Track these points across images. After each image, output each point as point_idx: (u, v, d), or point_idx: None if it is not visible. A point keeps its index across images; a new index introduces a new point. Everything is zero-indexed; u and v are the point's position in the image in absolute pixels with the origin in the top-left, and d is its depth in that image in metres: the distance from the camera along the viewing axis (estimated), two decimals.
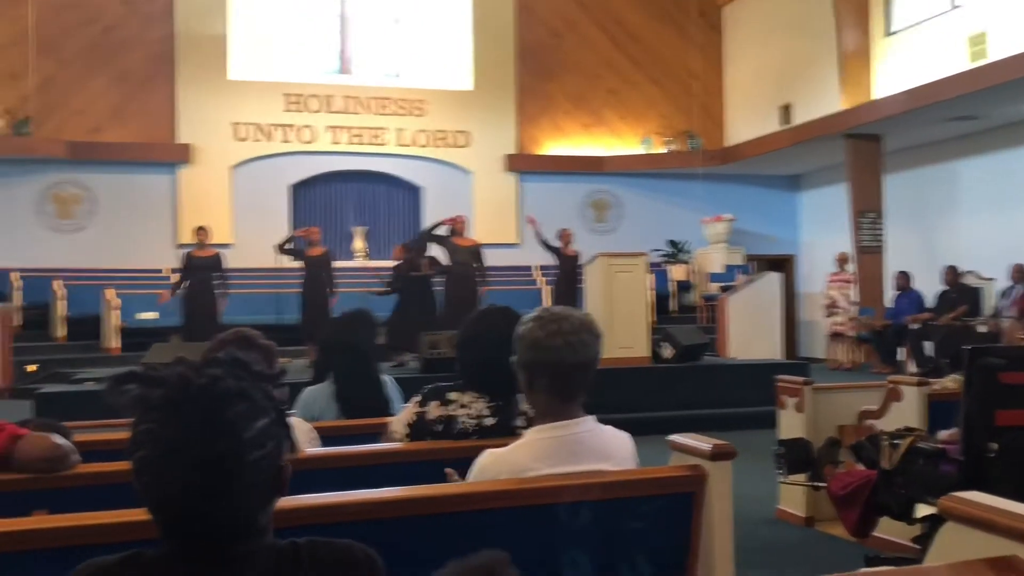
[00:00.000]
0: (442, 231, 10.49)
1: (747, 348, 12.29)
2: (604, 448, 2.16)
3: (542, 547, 2.08)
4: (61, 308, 12.44)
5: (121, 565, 1.19)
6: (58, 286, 12.56)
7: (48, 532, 1.77)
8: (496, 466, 2.12)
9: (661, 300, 14.75)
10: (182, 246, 12.41)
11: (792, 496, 5.24)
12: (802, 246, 16.48)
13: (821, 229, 15.72)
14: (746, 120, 15.82)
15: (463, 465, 2.25)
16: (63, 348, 12.30)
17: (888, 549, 4.12)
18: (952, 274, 11.51)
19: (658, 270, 14.88)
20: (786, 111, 14.62)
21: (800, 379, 5.45)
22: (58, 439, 2.41)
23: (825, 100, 13.41)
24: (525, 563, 2.04)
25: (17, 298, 12.72)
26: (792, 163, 15.32)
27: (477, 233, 12.89)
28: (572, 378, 2.06)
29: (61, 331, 12.45)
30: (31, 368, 11.52)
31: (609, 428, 2.22)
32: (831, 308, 13.15)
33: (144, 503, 1.17)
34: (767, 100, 15.20)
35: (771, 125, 14.78)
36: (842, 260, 13.18)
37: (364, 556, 1.28)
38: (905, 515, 3.30)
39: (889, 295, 12.40)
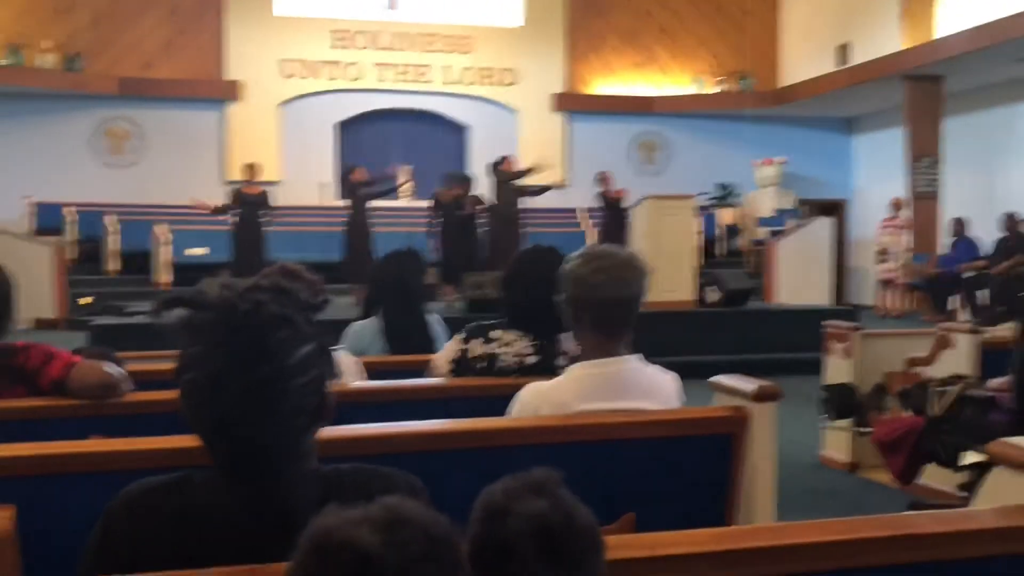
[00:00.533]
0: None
1: (795, 294, 12.15)
2: (647, 386, 2.17)
3: (581, 484, 2.09)
4: (113, 243, 12.68)
5: (169, 486, 1.22)
6: (110, 221, 12.79)
7: (103, 456, 1.83)
8: (536, 399, 2.13)
9: (708, 244, 14.56)
10: (230, 182, 12.53)
11: (836, 441, 5.22)
12: (855, 191, 16.13)
13: (875, 174, 15.35)
14: (801, 60, 15.40)
15: (504, 403, 2.25)
16: (115, 282, 12.56)
17: (932, 496, 4.09)
18: (1010, 221, 11.20)
19: (706, 213, 14.68)
20: (843, 51, 14.19)
21: (848, 324, 5.38)
22: (111, 367, 2.47)
23: (884, 39, 12.98)
24: None
25: (71, 232, 12.98)
26: (847, 105, 14.91)
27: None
28: (616, 314, 2.07)
29: (113, 265, 12.71)
30: (85, 300, 11.80)
31: (654, 367, 2.22)
32: (883, 255, 12.90)
33: (191, 425, 1.19)
34: (823, 39, 14.76)
35: (827, 65, 14.37)
36: (896, 206, 12.87)
37: (406, 483, 1.30)
38: (951, 462, 3.27)
39: (944, 242, 12.10)
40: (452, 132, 15.44)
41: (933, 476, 3.94)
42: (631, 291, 2.06)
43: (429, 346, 3.63)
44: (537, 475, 0.83)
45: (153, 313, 1.20)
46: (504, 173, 10.46)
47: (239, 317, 1.16)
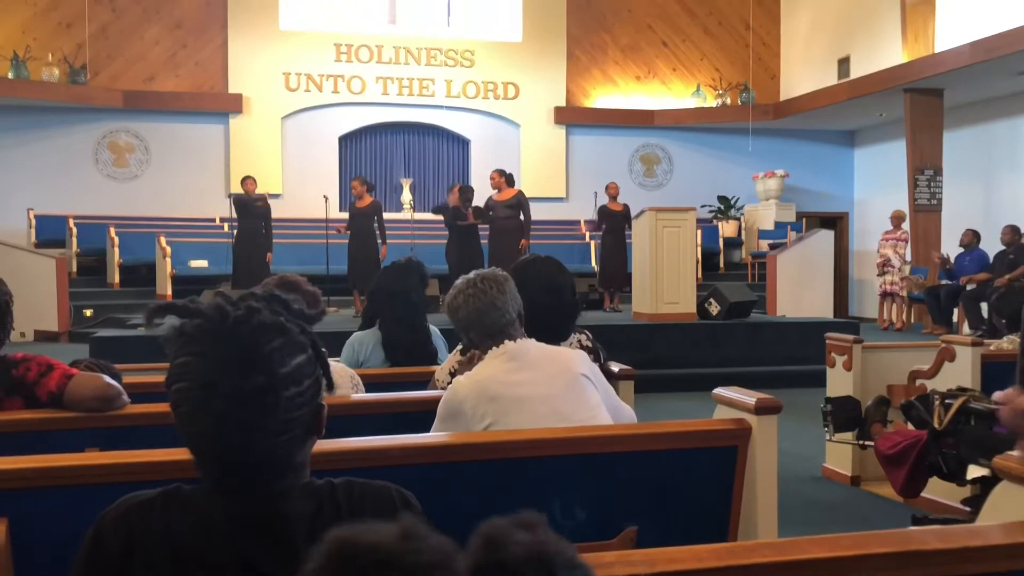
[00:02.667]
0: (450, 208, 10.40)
1: (796, 306, 12.14)
2: (551, 354, 2.38)
3: (581, 496, 2.07)
4: (116, 255, 12.68)
5: (160, 498, 1.20)
6: (113, 233, 12.79)
7: (99, 468, 1.81)
8: (463, 386, 2.30)
9: (709, 256, 14.60)
10: (233, 195, 12.53)
11: (838, 455, 5.19)
12: (856, 203, 16.13)
13: (876, 186, 15.35)
14: (802, 73, 15.43)
15: None
16: (117, 294, 12.56)
17: (936, 510, 4.06)
18: (1011, 233, 11.16)
19: (707, 226, 14.69)
20: (844, 64, 14.22)
21: (850, 337, 5.35)
22: (108, 379, 2.45)
23: (885, 52, 13.01)
24: (564, 511, 2.04)
25: (73, 244, 12.99)
26: (848, 118, 14.93)
27: (524, 186, 12.79)
28: (487, 318, 2.38)
29: (115, 277, 12.71)
30: (87, 313, 11.80)
31: (554, 347, 2.47)
32: (884, 267, 12.88)
33: (181, 435, 1.18)
34: (825, 53, 14.79)
35: (828, 78, 14.39)
36: (898, 218, 12.86)
37: (400, 497, 1.28)
38: (956, 476, 3.24)
39: (952, 253, 12.04)
40: (454, 145, 15.46)
41: (937, 489, 3.91)
42: (489, 296, 2.38)
43: (429, 358, 3.62)
44: (526, 516, 0.86)
45: (145, 321, 1.19)
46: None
47: (231, 324, 1.14)
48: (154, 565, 1.15)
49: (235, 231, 10.71)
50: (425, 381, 3.10)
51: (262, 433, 1.15)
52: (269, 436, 1.16)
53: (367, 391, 2.99)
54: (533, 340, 2.42)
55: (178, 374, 1.16)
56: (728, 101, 15.66)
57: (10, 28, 13.58)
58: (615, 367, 2.99)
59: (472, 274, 2.47)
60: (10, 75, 13.18)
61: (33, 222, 13.20)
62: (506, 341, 2.37)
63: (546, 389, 2.28)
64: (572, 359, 2.39)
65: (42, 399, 2.41)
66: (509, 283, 2.44)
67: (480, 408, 2.23)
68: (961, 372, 4.49)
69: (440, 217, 10.72)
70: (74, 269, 12.74)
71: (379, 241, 10.40)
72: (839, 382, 5.21)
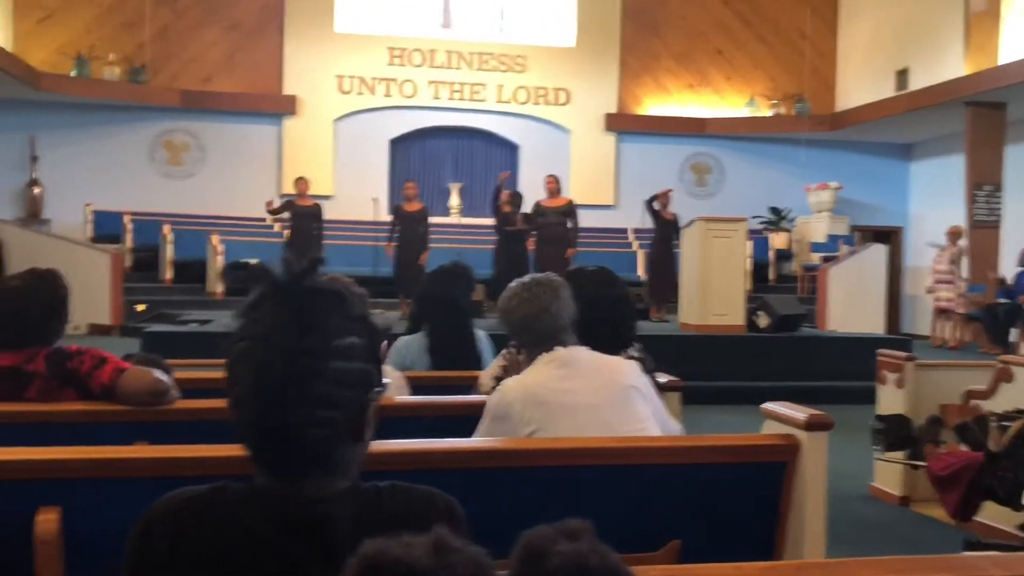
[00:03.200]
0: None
1: (847, 321, 11.93)
2: (601, 363, 2.37)
3: (627, 507, 2.05)
4: (169, 251, 12.91)
5: (206, 495, 1.21)
6: (167, 230, 13.03)
7: (148, 462, 1.84)
8: (511, 390, 2.29)
9: (759, 268, 14.41)
10: (285, 195, 12.70)
11: (888, 474, 5.08)
12: (911, 218, 15.82)
13: (932, 201, 15.03)
14: (859, 84, 15.18)
15: None
16: (169, 290, 12.78)
17: (990, 535, 3.95)
18: None
19: (758, 237, 14.52)
20: (903, 76, 13.96)
21: (902, 354, 5.24)
22: (159, 374, 2.49)
23: (946, 64, 12.74)
24: (608, 521, 2.02)
25: (128, 240, 13.25)
26: (905, 131, 14.65)
27: (572, 192, 12.76)
28: (541, 323, 2.37)
29: (168, 273, 12.94)
30: (140, 308, 12.03)
31: (606, 355, 2.43)
32: (939, 283, 12.59)
33: (229, 400, 1.19)
34: (883, 64, 14.54)
35: (886, 90, 14.14)
36: (955, 234, 12.56)
37: (444, 503, 1.27)
38: (1012, 500, 3.15)
39: (1010, 272, 11.74)
40: (503, 150, 15.49)
41: (992, 514, 3.81)
42: (543, 302, 2.37)
43: (475, 363, 3.61)
44: (571, 523, 0.85)
45: (222, 276, 1.22)
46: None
47: (293, 283, 1.18)
48: (199, 562, 1.16)
49: (289, 231, 10.82)
50: (470, 386, 3.09)
51: (300, 395, 1.15)
52: (306, 403, 1.15)
53: (413, 394, 2.99)
54: (585, 348, 2.40)
55: (241, 334, 1.19)
56: (782, 111, 15.48)
57: (75, 28, 13.92)
58: (662, 378, 2.95)
59: (528, 277, 2.46)
60: (73, 73, 13.51)
61: (90, 217, 13.50)
62: (557, 348, 2.35)
63: (594, 399, 2.26)
64: (622, 370, 2.37)
65: (94, 391, 2.45)
66: (564, 289, 2.42)
67: (527, 413, 2.22)
68: (1019, 393, 4.36)
69: (492, 221, 10.72)
70: (128, 264, 13.00)
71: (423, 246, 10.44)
72: (890, 400, 5.10)
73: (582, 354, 2.37)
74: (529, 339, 2.41)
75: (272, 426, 1.17)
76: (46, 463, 1.78)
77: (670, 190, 11.10)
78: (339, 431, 1.19)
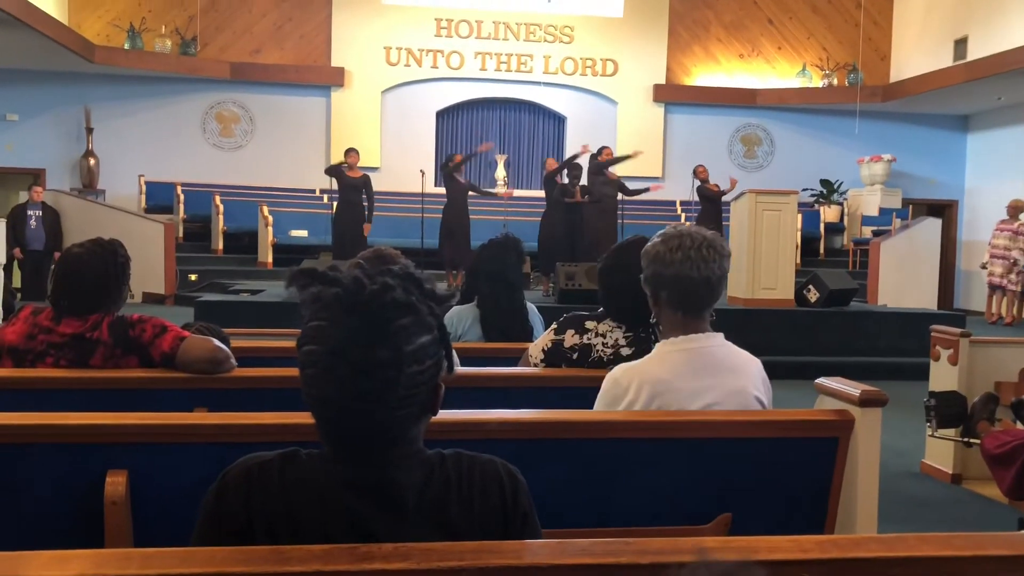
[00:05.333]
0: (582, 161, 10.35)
1: (899, 296, 11.74)
2: (734, 363, 2.15)
3: (677, 480, 2.06)
4: (220, 222, 13.10)
5: (278, 461, 1.25)
6: (218, 201, 13.22)
7: (207, 428, 1.89)
8: (628, 376, 2.11)
9: (809, 242, 14.23)
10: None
11: (940, 451, 5.02)
12: (967, 191, 15.45)
13: (990, 174, 14.66)
14: (915, 54, 14.80)
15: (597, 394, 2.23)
16: (221, 260, 12.99)
17: None
18: None
19: (808, 211, 14.31)
20: (961, 45, 13.58)
21: (956, 330, 5.16)
22: (218, 343, 2.55)
23: (1007, 32, 12.36)
24: (659, 495, 2.03)
25: (180, 211, 13.47)
26: (963, 102, 14.27)
27: (620, 165, 12.65)
28: (694, 292, 2.07)
29: (219, 244, 13.14)
30: (192, 277, 12.25)
31: (736, 347, 2.20)
32: (996, 259, 12.30)
33: (304, 396, 1.22)
34: (940, 33, 14.16)
35: (943, 60, 13.78)
36: (1015, 208, 12.23)
37: (506, 471, 1.30)
38: None
39: None
40: (550, 122, 15.41)
41: None
42: (710, 269, 2.06)
43: (526, 335, 3.64)
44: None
45: (287, 283, 1.24)
46: (599, 163, 10.40)
47: (365, 297, 1.19)
48: (271, 525, 1.20)
49: (337, 202, 10.91)
50: (518, 357, 3.11)
51: (380, 405, 1.19)
52: (387, 409, 1.19)
53: (461, 364, 3.02)
54: (721, 336, 2.15)
55: (310, 337, 1.21)
56: (835, 82, 15.17)
57: (127, 1, 14.10)
58: None
59: (694, 230, 2.13)
60: (126, 46, 13.70)
61: (144, 188, 13.74)
62: (692, 333, 2.10)
63: (721, 405, 2.09)
64: (753, 377, 2.17)
65: (155, 359, 2.52)
66: (728, 260, 2.14)
67: (647, 404, 2.07)
68: None
69: (541, 193, 10.71)
70: (181, 235, 13.22)
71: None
72: (943, 376, 5.03)
73: (719, 349, 2.13)
74: (670, 300, 2.09)
75: (353, 428, 1.21)
76: (114, 427, 1.84)
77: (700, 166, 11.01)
78: (414, 415, 1.23)
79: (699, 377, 2.08)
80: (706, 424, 2.03)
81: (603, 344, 2.65)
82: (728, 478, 2.08)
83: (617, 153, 11.03)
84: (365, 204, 10.68)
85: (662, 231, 2.16)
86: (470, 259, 4.81)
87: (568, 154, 13.96)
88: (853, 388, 2.17)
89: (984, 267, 12.29)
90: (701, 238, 2.09)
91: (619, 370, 2.15)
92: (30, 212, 11.61)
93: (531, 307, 3.81)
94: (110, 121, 13.95)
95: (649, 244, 2.15)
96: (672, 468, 2.05)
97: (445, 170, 10.64)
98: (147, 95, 14.19)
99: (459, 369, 2.88)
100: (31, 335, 2.53)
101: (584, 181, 10.33)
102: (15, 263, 11.49)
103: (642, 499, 2.02)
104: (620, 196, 10.42)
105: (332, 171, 10.76)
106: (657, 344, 2.19)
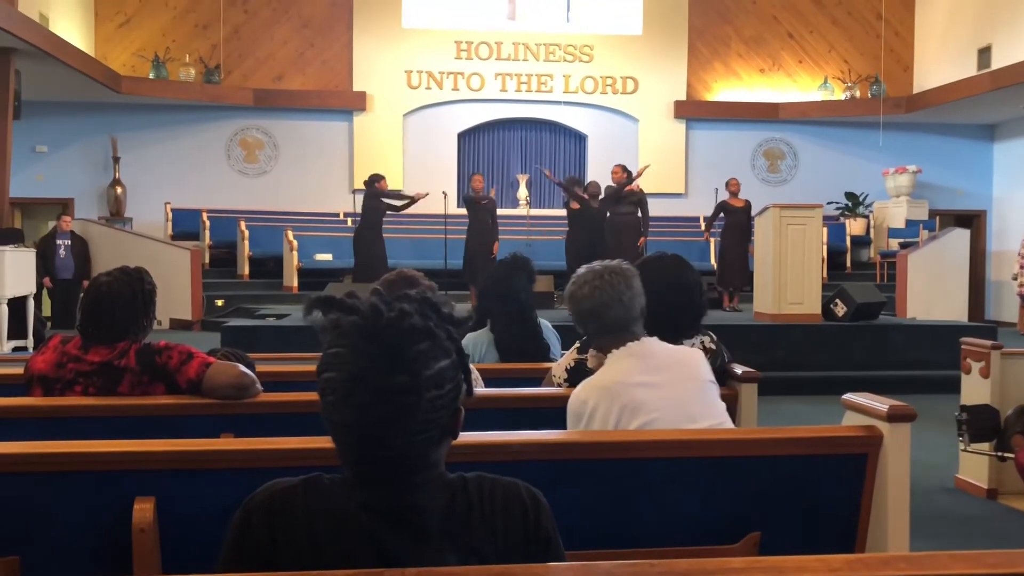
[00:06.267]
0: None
1: (928, 309, 11.61)
2: (677, 355, 2.32)
3: (704, 499, 2.04)
4: (246, 247, 13.22)
5: (301, 486, 1.25)
6: (243, 226, 13.34)
7: (234, 453, 1.90)
8: (585, 390, 2.24)
9: (835, 255, 14.12)
10: (357, 191, 12.88)
11: (973, 465, 4.94)
12: (995, 201, 15.29)
13: (1019, 183, 14.50)
14: (938, 64, 14.71)
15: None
16: (246, 285, 13.10)
17: None
18: None
19: (833, 224, 14.22)
20: (985, 53, 13.49)
21: (988, 342, 5.08)
22: (243, 369, 2.56)
23: None
24: (687, 514, 2.01)
25: (206, 237, 13.62)
26: (988, 111, 14.14)
27: (642, 181, 12.65)
28: (611, 313, 2.29)
29: (245, 269, 13.26)
30: (219, 303, 12.36)
31: (672, 345, 2.39)
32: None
33: (325, 423, 1.23)
34: (963, 42, 14.06)
35: (967, 69, 13.67)
36: None
37: (528, 493, 1.30)
38: None
39: None
40: (571, 141, 15.45)
41: None
42: (617, 292, 2.29)
43: (542, 354, 3.63)
44: None
45: (305, 311, 1.25)
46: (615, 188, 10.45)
47: (383, 324, 1.19)
48: (295, 552, 1.21)
49: (357, 225, 10.96)
50: (537, 376, 3.10)
51: (400, 430, 1.19)
52: (407, 434, 1.20)
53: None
54: (656, 339, 2.34)
55: (329, 364, 1.22)
56: (857, 94, 15.10)
57: (151, 31, 14.34)
58: (738, 369, 2.92)
59: (598, 265, 2.36)
60: (151, 75, 13.92)
61: (170, 215, 13.90)
62: (628, 342, 2.28)
63: (677, 392, 2.22)
64: (699, 363, 2.33)
65: (181, 385, 2.54)
66: (636, 279, 2.35)
67: (608, 411, 2.17)
68: None
69: (561, 212, 10.74)
70: (207, 260, 13.35)
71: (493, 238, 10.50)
72: (975, 390, 4.95)
73: (656, 346, 2.31)
74: (597, 329, 2.33)
75: (374, 454, 1.21)
76: (142, 455, 1.85)
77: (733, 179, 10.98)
78: (434, 439, 1.24)
79: (650, 372, 2.23)
80: (732, 443, 2.02)
81: None
82: (755, 497, 2.06)
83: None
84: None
85: (574, 275, 2.39)
86: None
87: (590, 174, 13.99)
88: (881, 403, 2.15)
89: (1015, 278, 12.14)
90: (604, 269, 2.34)
91: (579, 388, 2.29)
92: (59, 241, 11.78)
93: (545, 324, 3.80)
94: (136, 150, 14.16)
95: (565, 291, 2.41)
96: (699, 487, 2.03)
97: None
98: (172, 123, 14.38)
99: (481, 390, 2.89)
100: (60, 363, 2.56)
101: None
102: (45, 292, 11.65)
103: (669, 519, 2.00)
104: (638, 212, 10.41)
105: (389, 195, 10.75)
106: (606, 359, 2.32)
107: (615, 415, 2.17)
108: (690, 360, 2.32)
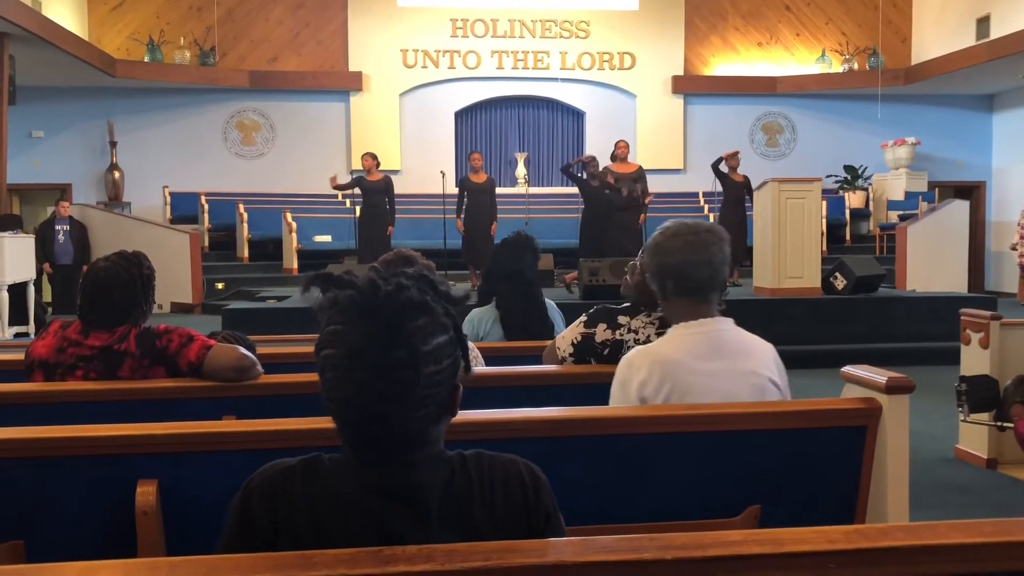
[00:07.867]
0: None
1: (928, 281, 11.62)
2: (746, 347, 2.18)
3: (704, 474, 2.05)
4: (244, 230, 13.20)
5: (300, 467, 1.26)
6: (242, 209, 13.32)
7: (236, 435, 1.90)
8: (640, 357, 2.14)
9: (835, 229, 14.11)
10: (355, 171, 12.85)
11: (974, 436, 4.96)
12: (994, 172, 15.25)
13: (1018, 153, 14.46)
14: (936, 35, 14.63)
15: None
16: (246, 268, 13.10)
17: None
18: None
19: (832, 197, 14.19)
20: (984, 23, 13.40)
21: (987, 313, 5.09)
22: (244, 351, 2.57)
23: None
24: (687, 488, 2.02)
25: (205, 220, 13.60)
26: (987, 81, 14.08)
27: (640, 158, 12.64)
28: (698, 275, 2.14)
29: (244, 252, 13.25)
30: (219, 286, 12.36)
31: (748, 332, 2.23)
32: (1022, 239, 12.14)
33: (324, 400, 1.23)
34: (962, 12, 13.98)
35: (965, 39, 13.60)
36: None
37: (528, 471, 1.30)
38: None
39: None
40: (569, 118, 15.39)
41: None
42: (709, 252, 2.13)
43: (547, 332, 3.64)
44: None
45: (303, 288, 1.25)
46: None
47: (380, 298, 1.19)
48: (296, 531, 1.21)
49: (360, 207, 10.95)
50: (540, 354, 3.10)
51: (399, 406, 1.19)
52: (405, 410, 1.20)
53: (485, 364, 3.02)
54: (732, 321, 2.19)
55: (328, 341, 1.22)
56: (855, 66, 15.03)
57: (145, 14, 14.25)
58: None
59: (691, 221, 2.21)
60: (146, 59, 13.85)
61: (168, 199, 13.88)
62: (702, 317, 2.14)
63: (732, 387, 2.11)
64: (766, 359, 2.19)
65: (182, 369, 2.55)
66: (727, 244, 2.19)
67: (661, 391, 2.09)
68: None
69: (559, 190, 10.69)
70: (206, 244, 13.35)
71: (494, 217, 10.46)
72: (975, 360, 4.96)
73: (729, 332, 2.16)
74: (676, 288, 2.15)
75: (373, 431, 1.21)
76: (144, 438, 1.86)
77: (737, 151, 10.91)
78: (433, 416, 1.24)
79: (711, 359, 2.11)
80: (731, 416, 2.02)
81: (635, 340, 2.60)
82: (755, 470, 2.07)
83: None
84: (388, 206, 10.71)
85: (663, 225, 2.23)
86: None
87: (588, 150, 13.93)
88: (879, 375, 2.15)
89: (1014, 248, 12.14)
90: (698, 225, 2.18)
91: (633, 352, 2.19)
92: (58, 227, 11.77)
93: (550, 303, 3.81)
94: (133, 134, 14.11)
95: (649, 240, 2.24)
96: (698, 462, 2.04)
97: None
98: (168, 107, 14.33)
99: (483, 368, 2.89)
100: (61, 348, 2.57)
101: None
102: (45, 277, 11.65)
103: (670, 494, 2.01)
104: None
105: (347, 187, 10.78)
106: (670, 328, 2.21)
107: (664, 393, 2.09)
108: (759, 353, 2.19)
